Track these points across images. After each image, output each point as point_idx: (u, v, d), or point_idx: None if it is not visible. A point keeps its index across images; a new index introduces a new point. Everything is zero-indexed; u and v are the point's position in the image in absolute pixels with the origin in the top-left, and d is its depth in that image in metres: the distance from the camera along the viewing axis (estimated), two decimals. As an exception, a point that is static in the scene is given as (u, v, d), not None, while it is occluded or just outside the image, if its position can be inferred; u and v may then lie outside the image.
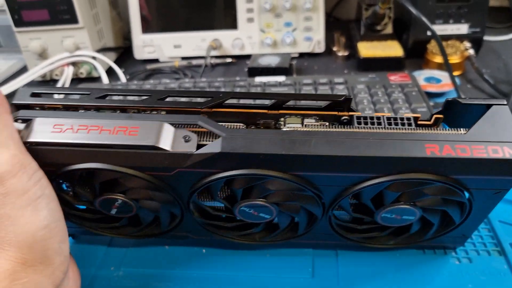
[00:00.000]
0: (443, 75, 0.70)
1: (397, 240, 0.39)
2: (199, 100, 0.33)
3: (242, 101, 0.39)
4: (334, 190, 0.32)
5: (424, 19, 0.63)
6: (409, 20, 0.76)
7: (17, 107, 0.33)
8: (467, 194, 0.32)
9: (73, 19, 0.76)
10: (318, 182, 0.31)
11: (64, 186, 0.35)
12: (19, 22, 0.77)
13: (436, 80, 0.69)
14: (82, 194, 0.34)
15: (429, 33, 0.76)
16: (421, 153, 0.28)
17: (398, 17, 0.80)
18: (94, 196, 0.34)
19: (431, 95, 0.66)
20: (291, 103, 0.35)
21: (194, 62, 0.84)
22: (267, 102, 0.35)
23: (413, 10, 0.65)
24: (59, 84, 0.77)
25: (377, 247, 0.39)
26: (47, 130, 0.30)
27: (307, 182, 0.31)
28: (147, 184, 0.32)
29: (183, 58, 0.86)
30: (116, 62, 0.87)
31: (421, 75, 0.70)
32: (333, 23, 0.97)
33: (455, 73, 0.73)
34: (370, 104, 0.59)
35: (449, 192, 0.32)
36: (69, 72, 0.79)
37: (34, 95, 0.34)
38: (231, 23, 0.83)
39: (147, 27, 0.84)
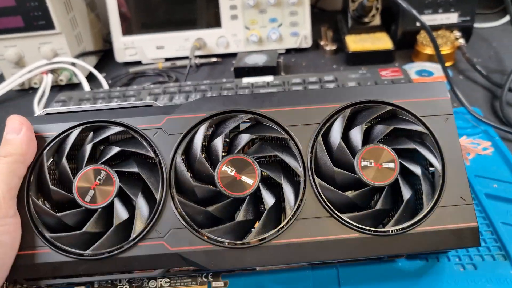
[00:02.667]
0: (435, 67, 0.68)
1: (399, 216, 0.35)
2: None
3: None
4: (305, 131, 0.36)
5: (414, 10, 0.61)
6: (397, 10, 0.74)
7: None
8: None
9: (49, 25, 0.73)
10: (286, 121, 0.36)
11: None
12: (-9, 30, 0.73)
13: (428, 73, 0.67)
14: (63, 171, 0.35)
15: (418, 23, 0.74)
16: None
17: (386, 8, 0.78)
18: (83, 164, 0.35)
19: (423, 89, 0.64)
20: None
21: (178, 63, 0.81)
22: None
23: (401, 2, 0.62)
24: (39, 92, 0.74)
25: (375, 252, 0.35)
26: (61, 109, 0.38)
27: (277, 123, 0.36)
28: (137, 142, 0.36)
29: (167, 59, 0.83)
30: (97, 66, 0.84)
31: (412, 68, 0.69)
32: (318, 15, 0.94)
33: (447, 64, 0.71)
34: (363, 103, 0.57)
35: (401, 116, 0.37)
36: (48, 80, 0.76)
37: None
38: (215, 21, 0.80)
39: (127, 29, 0.81)
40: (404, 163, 0.36)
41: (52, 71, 0.77)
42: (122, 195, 0.35)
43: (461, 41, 0.72)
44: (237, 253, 0.33)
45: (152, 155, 0.35)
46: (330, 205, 0.35)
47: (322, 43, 0.82)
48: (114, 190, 0.34)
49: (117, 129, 0.36)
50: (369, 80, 0.61)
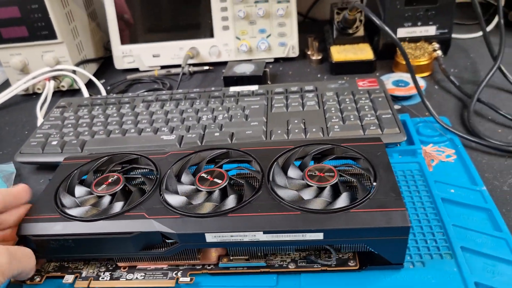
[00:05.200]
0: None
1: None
2: None
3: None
4: (266, 158, 0.46)
5: (386, 28, 0.65)
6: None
7: None
8: None
9: (51, 35, 0.78)
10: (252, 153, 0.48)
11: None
12: (-2, 39, 0.79)
13: (404, 83, 0.71)
14: (89, 179, 0.48)
15: (398, 35, 0.78)
16: None
17: (369, 20, 0.81)
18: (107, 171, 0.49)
19: (399, 99, 0.69)
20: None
21: (173, 70, 0.86)
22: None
23: (376, 20, 0.67)
24: (41, 98, 0.79)
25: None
26: None
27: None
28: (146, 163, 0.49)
29: (162, 67, 0.88)
30: (97, 72, 0.90)
31: (390, 79, 0.73)
32: (308, 24, 0.99)
33: (424, 74, 0.75)
34: (338, 112, 0.61)
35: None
36: (50, 86, 0.81)
37: None
38: (208, 32, 0.85)
39: (126, 38, 0.86)
40: (342, 174, 0.45)
41: (54, 77, 0.82)
42: (127, 192, 0.46)
43: (439, 52, 0.76)
44: (199, 221, 0.41)
45: (153, 168, 0.48)
46: (280, 198, 0.42)
47: (308, 52, 0.86)
48: (120, 185, 0.45)
49: (134, 156, 0.50)
50: (346, 90, 0.66)
